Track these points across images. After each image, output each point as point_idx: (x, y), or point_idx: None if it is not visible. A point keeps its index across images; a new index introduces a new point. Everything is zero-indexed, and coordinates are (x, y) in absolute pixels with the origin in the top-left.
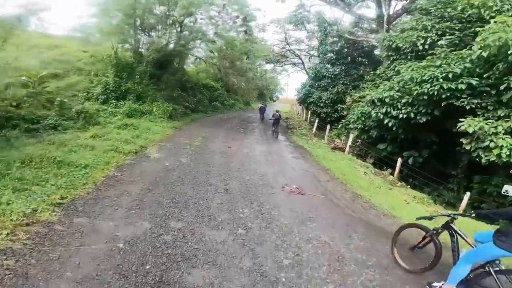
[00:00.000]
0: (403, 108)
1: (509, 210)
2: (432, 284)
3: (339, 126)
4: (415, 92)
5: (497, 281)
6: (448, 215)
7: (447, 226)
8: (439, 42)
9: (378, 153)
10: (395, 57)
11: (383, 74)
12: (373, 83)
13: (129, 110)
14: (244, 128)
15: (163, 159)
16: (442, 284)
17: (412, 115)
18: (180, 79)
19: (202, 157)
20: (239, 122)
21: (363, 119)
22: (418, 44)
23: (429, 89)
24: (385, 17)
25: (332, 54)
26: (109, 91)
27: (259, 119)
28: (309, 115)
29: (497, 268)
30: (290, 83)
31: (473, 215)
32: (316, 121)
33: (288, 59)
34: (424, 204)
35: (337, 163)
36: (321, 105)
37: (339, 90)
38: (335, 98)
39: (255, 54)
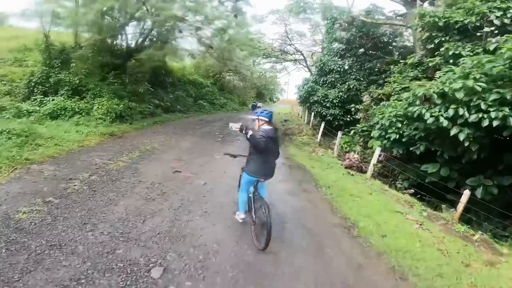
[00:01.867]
0: (490, 109)
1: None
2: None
3: (352, 132)
4: None
5: (252, 203)
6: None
7: None
8: None
9: (418, 176)
10: (443, 38)
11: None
12: (402, 75)
13: (56, 108)
14: (225, 134)
15: None
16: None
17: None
18: (153, 72)
19: (86, 204)
20: (222, 126)
21: (400, 125)
22: (492, 17)
23: None
24: None
25: (340, 45)
26: (33, 83)
27: None
28: (311, 118)
29: (255, 194)
30: (291, 83)
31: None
32: (322, 125)
33: (289, 54)
34: None
35: (364, 201)
36: (328, 105)
37: (351, 86)
38: (345, 96)
39: (249, 44)
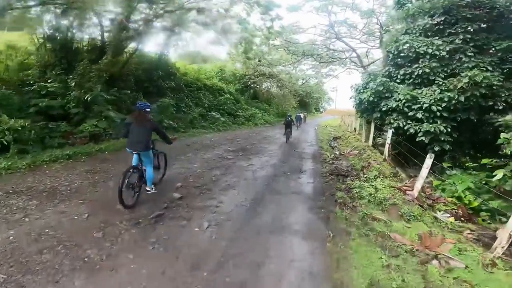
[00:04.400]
0: None
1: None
2: (146, 188)
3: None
4: None
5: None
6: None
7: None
8: None
9: None
10: None
11: None
12: None
13: None
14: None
15: None
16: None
17: None
18: (146, 74)
19: None
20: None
21: None
22: None
23: None
24: None
25: (428, 20)
26: None
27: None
28: (388, 142)
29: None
30: (340, 89)
31: None
32: (427, 161)
33: (336, 52)
34: None
35: None
36: (419, 115)
37: (477, 80)
38: (460, 99)
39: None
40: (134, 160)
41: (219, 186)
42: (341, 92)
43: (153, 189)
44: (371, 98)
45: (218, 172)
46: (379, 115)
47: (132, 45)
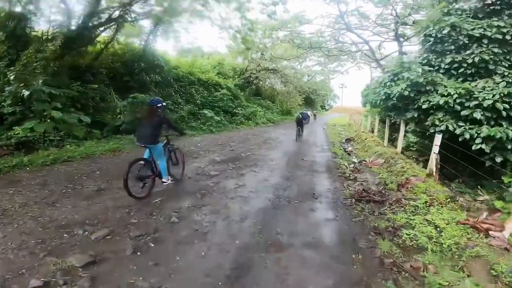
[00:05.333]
0: None
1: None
2: (163, 180)
3: None
4: None
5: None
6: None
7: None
8: None
9: None
10: None
11: None
12: None
13: None
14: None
15: None
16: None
17: None
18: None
19: None
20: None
21: None
22: None
23: None
24: None
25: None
26: None
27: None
28: (436, 152)
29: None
30: (348, 85)
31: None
32: None
33: (346, 45)
34: None
35: None
36: (477, 115)
37: None
38: None
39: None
40: (146, 153)
41: (174, 239)
42: (347, 90)
43: (170, 180)
44: (406, 92)
45: (186, 204)
46: (416, 115)
47: (107, 34)
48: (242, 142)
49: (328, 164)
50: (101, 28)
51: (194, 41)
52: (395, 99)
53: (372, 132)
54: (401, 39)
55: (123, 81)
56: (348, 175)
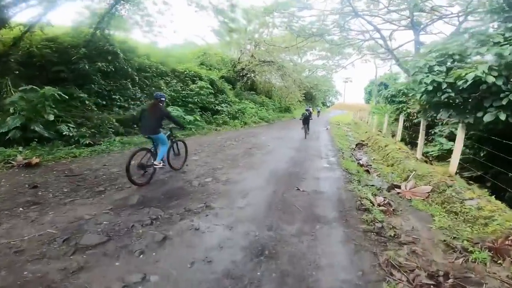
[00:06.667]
0: None
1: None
2: (154, 163)
3: None
4: None
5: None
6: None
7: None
8: None
9: None
10: None
11: None
12: None
13: None
14: None
15: None
16: (154, 161)
17: None
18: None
19: None
20: None
21: None
22: None
23: None
24: None
25: None
26: None
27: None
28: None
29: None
30: (351, 80)
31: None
32: None
33: (352, 34)
34: None
35: None
36: None
37: None
38: None
39: None
40: (151, 143)
41: None
42: (348, 86)
43: (161, 164)
44: (490, 79)
45: None
46: (503, 116)
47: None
48: (212, 153)
49: (340, 199)
50: (17, 8)
51: (169, 25)
52: (461, 89)
53: (393, 136)
54: (417, 27)
55: (52, 72)
56: (380, 225)
